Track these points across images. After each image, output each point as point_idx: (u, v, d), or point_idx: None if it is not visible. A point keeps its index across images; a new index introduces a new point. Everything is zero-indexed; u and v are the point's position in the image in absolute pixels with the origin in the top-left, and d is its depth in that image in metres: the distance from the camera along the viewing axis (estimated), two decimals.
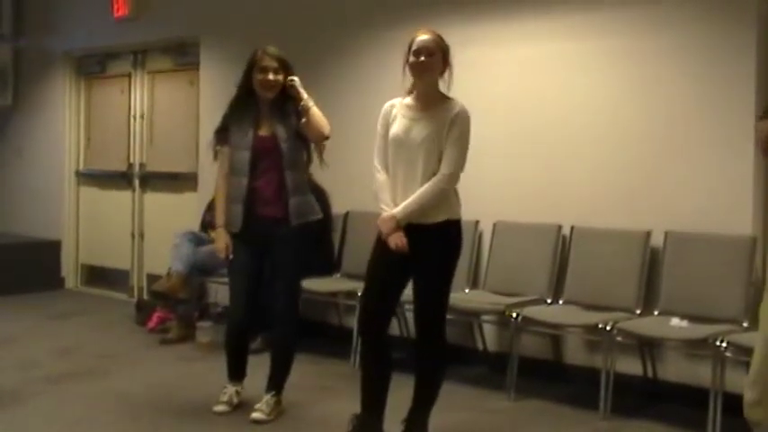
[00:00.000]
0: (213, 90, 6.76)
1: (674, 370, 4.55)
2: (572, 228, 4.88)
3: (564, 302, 4.81)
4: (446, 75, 3.62)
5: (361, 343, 3.83)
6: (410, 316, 4.22)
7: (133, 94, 7.71)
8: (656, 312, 4.49)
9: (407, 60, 3.60)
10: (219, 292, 6.18)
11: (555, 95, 5.03)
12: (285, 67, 4.07)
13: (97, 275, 8.13)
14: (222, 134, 4.20)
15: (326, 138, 4.08)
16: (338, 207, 5.79)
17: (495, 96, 5.18)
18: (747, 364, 4.00)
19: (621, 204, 4.75)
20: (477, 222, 5.16)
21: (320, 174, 4.26)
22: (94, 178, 8.07)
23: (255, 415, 4.06)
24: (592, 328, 4.44)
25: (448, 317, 3.74)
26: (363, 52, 5.89)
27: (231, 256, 4.15)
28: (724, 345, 3.91)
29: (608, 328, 4.28)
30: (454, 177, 3.55)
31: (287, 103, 4.09)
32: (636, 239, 4.62)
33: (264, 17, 6.36)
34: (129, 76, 7.75)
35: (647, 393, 4.58)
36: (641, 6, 4.68)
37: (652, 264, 4.59)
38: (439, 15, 5.12)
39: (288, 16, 6.23)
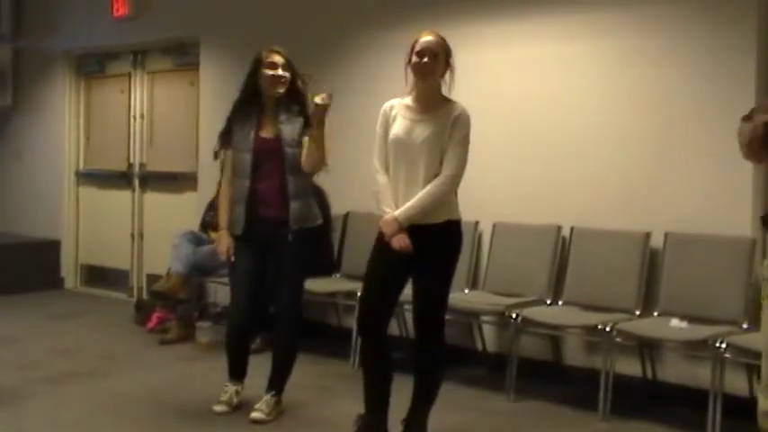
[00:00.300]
0: (213, 90, 6.77)
1: (674, 371, 4.55)
2: (572, 228, 4.89)
3: (563, 303, 4.81)
4: (447, 77, 3.62)
5: (361, 343, 3.83)
6: (409, 316, 4.21)
7: (133, 93, 7.71)
8: (655, 313, 4.50)
9: (410, 61, 3.60)
10: (219, 293, 6.18)
11: (554, 96, 5.03)
12: (291, 65, 4.08)
13: (97, 275, 8.13)
14: (226, 136, 4.19)
15: (324, 166, 4.06)
16: (338, 208, 5.79)
17: (495, 97, 5.18)
18: (747, 366, 4.03)
19: (621, 205, 4.75)
20: (476, 223, 5.16)
21: (320, 174, 4.26)
22: (94, 178, 8.06)
23: (255, 415, 4.07)
24: (591, 329, 4.44)
25: (447, 317, 3.74)
26: (363, 52, 5.89)
27: (233, 259, 4.15)
28: (723, 346, 3.91)
29: (607, 329, 4.28)
30: (456, 179, 3.55)
31: (293, 103, 4.08)
32: (635, 240, 4.62)
33: (264, 17, 6.36)
34: (129, 75, 7.75)
35: (646, 394, 4.58)
36: (641, 7, 4.68)
37: (652, 265, 4.59)
38: (438, 16, 5.12)
39: (288, 16, 6.23)
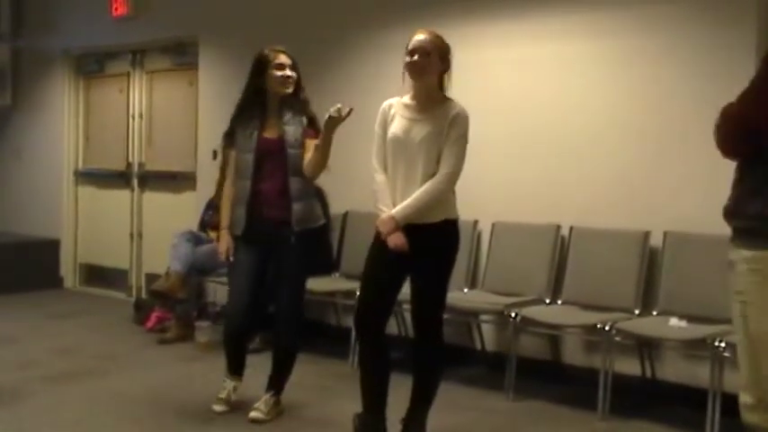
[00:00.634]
0: (212, 90, 6.77)
1: (673, 370, 4.55)
2: (571, 228, 4.89)
3: (562, 302, 4.81)
4: (446, 75, 3.62)
5: (359, 342, 3.83)
6: (408, 316, 4.22)
7: (132, 93, 7.71)
8: (654, 312, 4.50)
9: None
10: (218, 292, 6.18)
11: (554, 96, 5.03)
12: (297, 65, 4.08)
13: (96, 275, 8.12)
14: (229, 137, 4.18)
15: (324, 170, 4.06)
16: (337, 207, 5.79)
17: (495, 97, 5.18)
18: None
19: (620, 204, 4.75)
20: (475, 222, 5.16)
21: (324, 173, 4.25)
22: (93, 177, 8.06)
23: (254, 414, 4.07)
24: (590, 329, 4.44)
25: (446, 317, 3.74)
26: (363, 52, 5.89)
27: (232, 258, 4.15)
28: (723, 345, 3.91)
29: (606, 328, 4.28)
30: (453, 178, 3.55)
31: (297, 103, 4.08)
32: (635, 239, 4.62)
33: (263, 17, 6.36)
34: (128, 75, 7.75)
35: (645, 394, 4.58)
36: (641, 6, 4.68)
37: (651, 264, 4.59)
38: (438, 15, 5.11)
39: (287, 16, 6.23)
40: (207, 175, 6.57)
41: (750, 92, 2.32)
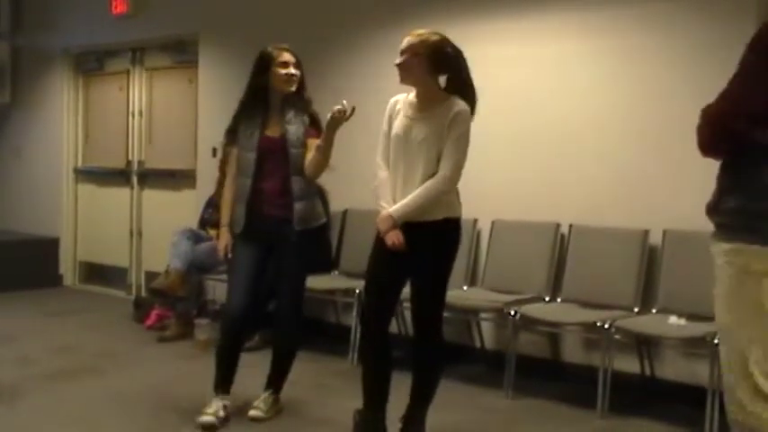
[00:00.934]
0: (212, 88, 6.77)
1: (672, 368, 4.56)
2: (570, 226, 4.89)
3: (562, 300, 4.81)
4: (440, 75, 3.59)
5: (362, 340, 3.82)
6: (408, 314, 4.22)
7: (131, 91, 7.71)
8: (654, 311, 4.50)
9: None
10: (218, 290, 6.17)
11: (553, 94, 5.03)
12: (300, 63, 4.07)
13: (95, 273, 8.13)
14: (231, 134, 4.17)
15: (326, 169, 4.04)
16: (336, 205, 5.79)
17: (494, 95, 5.14)
18: None
19: (620, 203, 4.75)
20: (475, 221, 5.16)
21: (326, 172, 4.25)
22: (93, 175, 8.06)
23: (253, 413, 4.06)
24: (590, 327, 4.45)
25: (446, 315, 3.74)
26: (362, 50, 5.89)
27: (230, 256, 4.14)
28: None
29: (606, 326, 4.28)
30: (453, 178, 3.51)
31: (300, 102, 4.07)
32: (634, 238, 4.62)
33: (263, 15, 6.36)
34: (128, 73, 7.75)
35: (644, 392, 4.59)
36: (641, 5, 4.68)
37: (650, 262, 4.59)
38: (437, 15, 5.12)
39: (287, 15, 6.23)
40: (207, 172, 6.57)
41: (727, 92, 2.34)
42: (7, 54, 8.41)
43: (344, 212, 5.86)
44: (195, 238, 5.96)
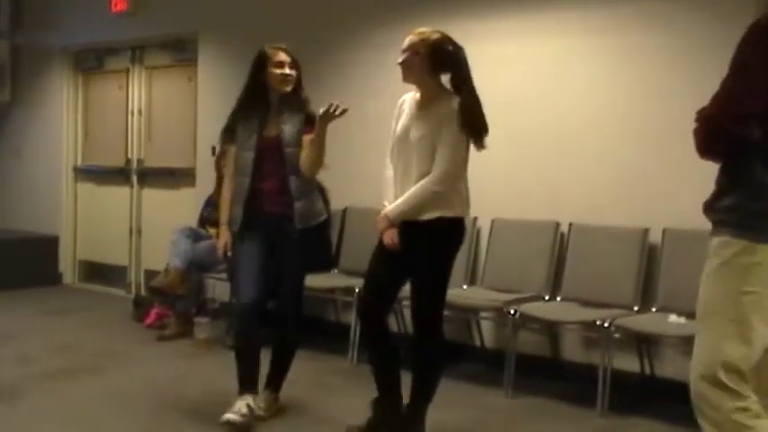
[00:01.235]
0: (211, 86, 6.77)
1: (672, 367, 4.55)
2: (570, 225, 4.89)
3: (562, 299, 4.81)
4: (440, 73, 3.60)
5: (361, 337, 3.83)
6: (408, 312, 4.21)
7: (131, 89, 7.70)
8: (653, 309, 4.50)
9: None
10: (217, 288, 6.19)
11: (553, 92, 5.02)
12: (297, 63, 4.05)
13: (95, 271, 8.12)
14: (229, 133, 4.16)
15: (321, 167, 4.03)
16: (336, 203, 5.74)
17: (493, 93, 5.11)
18: None
19: (619, 201, 4.75)
20: (475, 219, 5.15)
21: (322, 170, 4.25)
22: (92, 174, 8.06)
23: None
24: (589, 325, 4.45)
25: (445, 313, 3.74)
26: (362, 50, 5.88)
27: (230, 254, 4.13)
28: None
29: (606, 324, 4.28)
30: (445, 177, 3.49)
31: (296, 101, 4.06)
32: (634, 236, 4.62)
33: (263, 14, 6.35)
34: (127, 71, 7.74)
35: (644, 390, 4.59)
36: (640, 3, 4.68)
37: (650, 261, 4.59)
38: (436, 14, 5.12)
39: (286, 13, 6.22)
40: (206, 171, 6.57)
41: (720, 92, 2.36)
42: (7, 52, 8.40)
43: (344, 211, 5.86)
44: (195, 236, 5.96)
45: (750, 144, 2.31)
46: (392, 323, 5.48)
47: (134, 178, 7.69)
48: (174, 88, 7.38)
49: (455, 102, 3.52)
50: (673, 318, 4.28)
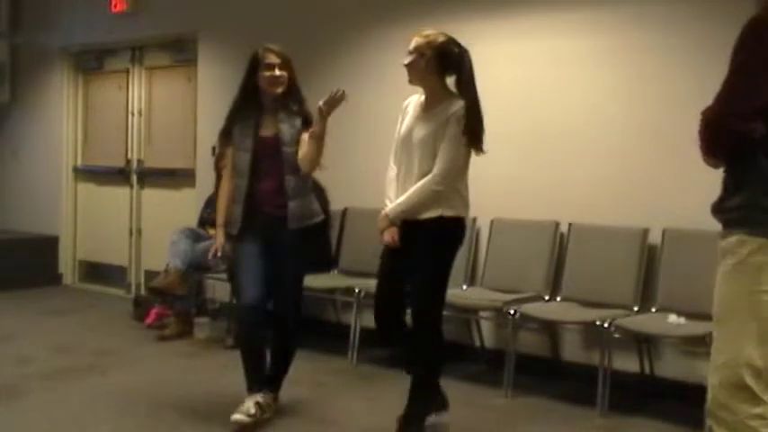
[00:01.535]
0: (211, 86, 6.77)
1: (672, 367, 4.55)
2: (569, 225, 4.89)
3: (561, 299, 4.81)
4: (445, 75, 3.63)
5: (376, 333, 3.86)
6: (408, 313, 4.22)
7: (131, 90, 7.70)
8: (653, 309, 4.50)
9: None
10: (217, 289, 6.19)
11: (552, 92, 5.02)
12: (288, 64, 4.05)
13: (95, 272, 8.12)
14: (226, 136, 4.16)
15: (319, 165, 4.03)
16: (336, 204, 5.78)
17: (493, 94, 5.11)
18: None
19: (619, 201, 4.75)
20: (474, 219, 5.15)
21: (318, 170, 4.25)
22: (92, 174, 8.06)
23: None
24: (589, 325, 4.45)
25: (445, 314, 3.76)
26: (361, 50, 5.88)
27: (219, 255, 4.15)
28: None
29: (605, 324, 4.28)
30: (445, 177, 3.54)
31: (291, 102, 4.06)
32: (633, 236, 4.62)
33: (262, 14, 6.35)
34: (127, 72, 7.74)
35: (644, 390, 4.58)
36: (640, 3, 4.68)
37: (650, 261, 4.59)
38: (435, 14, 5.12)
39: (286, 13, 6.22)
40: (206, 171, 6.56)
41: (722, 91, 2.34)
42: (6, 53, 8.40)
43: (344, 211, 5.86)
44: (194, 237, 5.96)
45: (755, 140, 2.30)
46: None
47: (134, 178, 7.68)
48: (174, 88, 7.38)
49: (459, 103, 3.56)
50: (672, 318, 4.28)
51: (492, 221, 5.17)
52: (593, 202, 4.84)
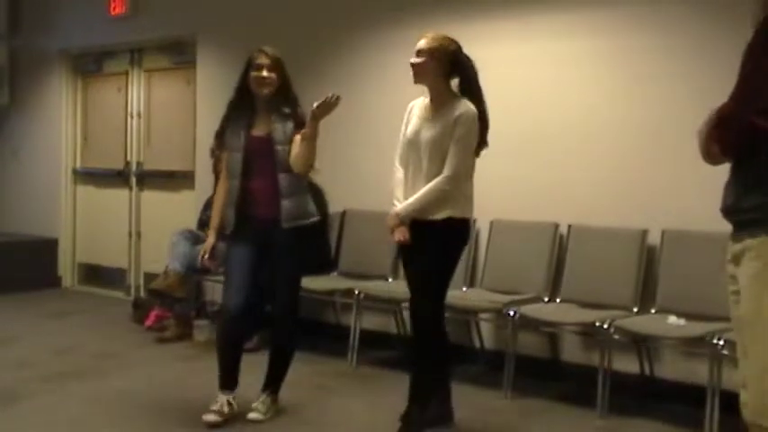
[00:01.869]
0: (210, 89, 6.76)
1: (671, 368, 4.55)
2: (569, 226, 4.89)
3: (561, 301, 4.81)
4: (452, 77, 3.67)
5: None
6: (407, 313, 4.22)
7: (130, 92, 7.70)
8: (652, 310, 4.50)
9: None
10: (216, 291, 6.17)
11: (552, 94, 5.02)
12: (279, 65, 4.04)
13: (94, 274, 8.12)
14: (220, 137, 4.17)
15: (311, 167, 4.05)
16: (335, 205, 5.79)
17: (492, 94, 5.10)
18: None
19: (618, 203, 4.75)
20: (474, 221, 5.13)
21: (317, 172, 4.26)
22: (91, 177, 8.06)
23: (252, 415, 4.05)
24: (589, 327, 4.44)
25: (445, 315, 3.76)
26: (361, 51, 5.88)
27: (206, 257, 4.17)
28: (721, 342, 3.91)
29: (605, 326, 4.28)
30: (455, 178, 3.62)
31: (284, 103, 4.06)
32: (633, 238, 4.62)
33: (261, 16, 6.36)
34: (126, 74, 7.74)
35: (643, 391, 4.58)
36: (640, 4, 4.68)
37: (649, 262, 4.59)
38: (435, 15, 5.12)
39: (285, 15, 6.22)
40: (205, 174, 6.56)
41: (740, 89, 2.32)
42: (5, 55, 8.39)
43: (343, 213, 5.85)
44: (194, 239, 5.96)
45: None
46: (392, 324, 5.50)
47: (133, 181, 7.68)
48: (173, 91, 7.38)
49: (465, 105, 3.63)
50: (672, 319, 4.28)
51: (491, 223, 5.17)
52: (592, 204, 4.84)
